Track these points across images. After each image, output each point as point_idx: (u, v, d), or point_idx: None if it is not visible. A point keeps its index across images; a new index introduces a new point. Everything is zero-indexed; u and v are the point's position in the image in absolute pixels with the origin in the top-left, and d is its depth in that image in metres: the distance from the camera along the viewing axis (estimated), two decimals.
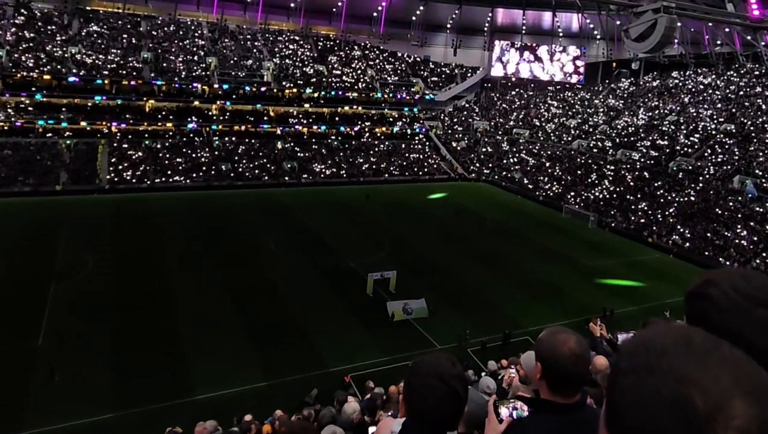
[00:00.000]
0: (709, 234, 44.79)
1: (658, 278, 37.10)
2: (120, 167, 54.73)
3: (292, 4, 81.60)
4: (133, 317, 27.06)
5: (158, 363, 23.28)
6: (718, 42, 69.06)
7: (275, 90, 70.61)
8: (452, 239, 43.64)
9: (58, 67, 59.97)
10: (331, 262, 36.70)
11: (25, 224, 40.68)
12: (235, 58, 72.37)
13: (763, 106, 58.71)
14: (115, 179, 53.09)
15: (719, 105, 62.91)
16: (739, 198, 47.57)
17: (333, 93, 73.97)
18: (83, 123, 58.28)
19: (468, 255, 39.78)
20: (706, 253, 43.00)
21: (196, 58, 69.74)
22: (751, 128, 55.83)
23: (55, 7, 67.85)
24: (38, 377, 21.68)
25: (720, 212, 46.91)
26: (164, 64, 66.64)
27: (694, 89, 69.04)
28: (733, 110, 60.56)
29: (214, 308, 28.68)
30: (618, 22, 72.60)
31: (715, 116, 60.74)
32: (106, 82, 61.50)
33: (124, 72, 62.98)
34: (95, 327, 25.76)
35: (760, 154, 51.77)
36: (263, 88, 70.13)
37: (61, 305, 27.97)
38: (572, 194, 58.31)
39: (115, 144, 57.68)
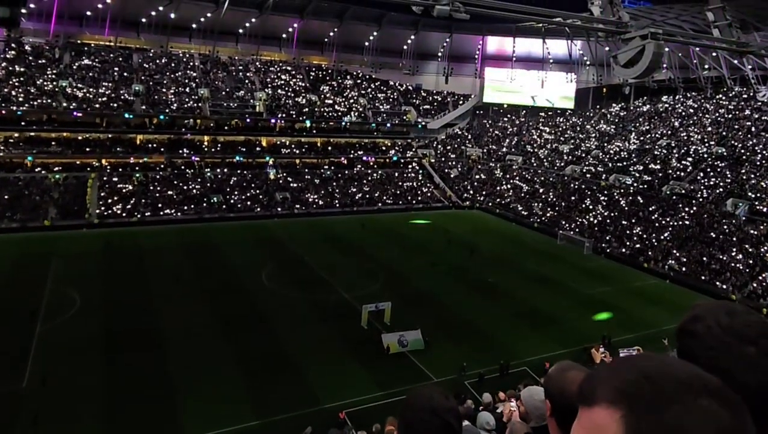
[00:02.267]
0: (705, 258, 44.52)
1: (656, 305, 36.68)
2: (110, 200, 54.13)
3: (284, 35, 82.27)
4: (122, 356, 26.34)
5: (147, 403, 22.61)
6: (706, 66, 69.83)
7: (268, 120, 70.70)
8: (446, 268, 43.08)
9: (49, 101, 59.82)
10: (324, 294, 36.14)
11: (12, 261, 39.95)
12: (227, 89, 72.57)
13: (753, 129, 59.09)
14: (105, 213, 52.44)
15: (709, 128, 63.29)
16: (734, 221, 47.46)
17: (325, 122, 74.14)
18: (73, 157, 57.91)
19: (463, 285, 39.29)
20: (703, 277, 42.67)
21: (188, 90, 69.84)
22: (742, 151, 56.08)
23: (46, 42, 67.97)
24: (22, 421, 20.92)
25: (715, 235, 46.75)
26: (156, 97, 66.67)
27: (684, 113, 69.57)
28: (724, 133, 60.90)
29: (205, 345, 28.02)
30: (607, 48, 73.55)
31: (705, 139, 61.05)
32: (96, 117, 61.37)
33: (115, 105, 62.89)
34: (82, 367, 25.10)
35: (752, 176, 51.88)
36: (256, 119, 70.23)
37: (47, 345, 27.21)
38: (567, 220, 58.08)
39: (105, 177, 57.25)
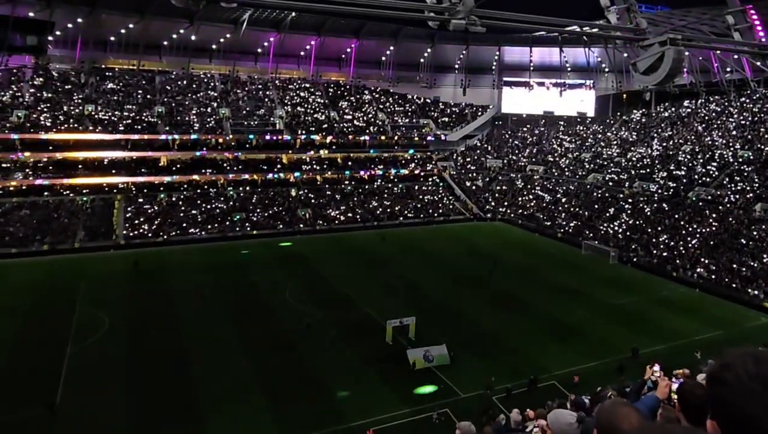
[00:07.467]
0: (735, 265, 43.55)
1: (686, 315, 35.96)
2: (136, 221, 54.96)
3: (302, 53, 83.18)
4: (147, 377, 26.61)
5: (172, 424, 22.70)
6: (728, 69, 68.72)
7: (288, 137, 71.30)
8: (470, 281, 42.77)
9: (75, 125, 61.09)
10: (348, 310, 36.07)
11: (43, 283, 40.63)
12: (248, 108, 73.45)
13: None
14: (131, 234, 53.21)
15: (734, 132, 62.21)
16: (764, 226, 46.40)
17: (345, 138, 74.52)
18: (100, 179, 58.99)
19: (487, 298, 38.92)
20: (734, 285, 41.71)
21: (209, 110, 70.85)
22: None
23: (72, 68, 69.63)
24: None
25: (744, 241, 45.74)
26: (178, 118, 67.75)
27: (707, 117, 68.52)
28: (749, 136, 59.80)
29: (229, 364, 28.15)
30: (626, 55, 72.85)
31: (731, 143, 59.99)
32: (121, 137, 62.49)
33: (138, 127, 64.00)
34: (108, 388, 25.31)
35: None
36: (276, 137, 70.91)
37: (77, 367, 27.49)
38: (591, 230, 57.34)
39: (131, 199, 58.15)
